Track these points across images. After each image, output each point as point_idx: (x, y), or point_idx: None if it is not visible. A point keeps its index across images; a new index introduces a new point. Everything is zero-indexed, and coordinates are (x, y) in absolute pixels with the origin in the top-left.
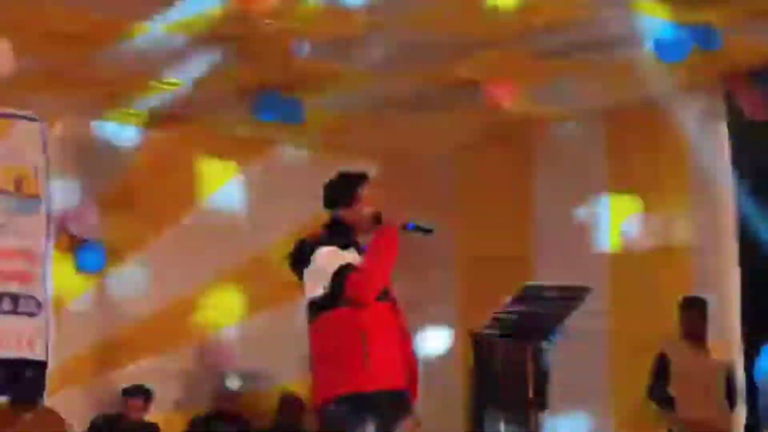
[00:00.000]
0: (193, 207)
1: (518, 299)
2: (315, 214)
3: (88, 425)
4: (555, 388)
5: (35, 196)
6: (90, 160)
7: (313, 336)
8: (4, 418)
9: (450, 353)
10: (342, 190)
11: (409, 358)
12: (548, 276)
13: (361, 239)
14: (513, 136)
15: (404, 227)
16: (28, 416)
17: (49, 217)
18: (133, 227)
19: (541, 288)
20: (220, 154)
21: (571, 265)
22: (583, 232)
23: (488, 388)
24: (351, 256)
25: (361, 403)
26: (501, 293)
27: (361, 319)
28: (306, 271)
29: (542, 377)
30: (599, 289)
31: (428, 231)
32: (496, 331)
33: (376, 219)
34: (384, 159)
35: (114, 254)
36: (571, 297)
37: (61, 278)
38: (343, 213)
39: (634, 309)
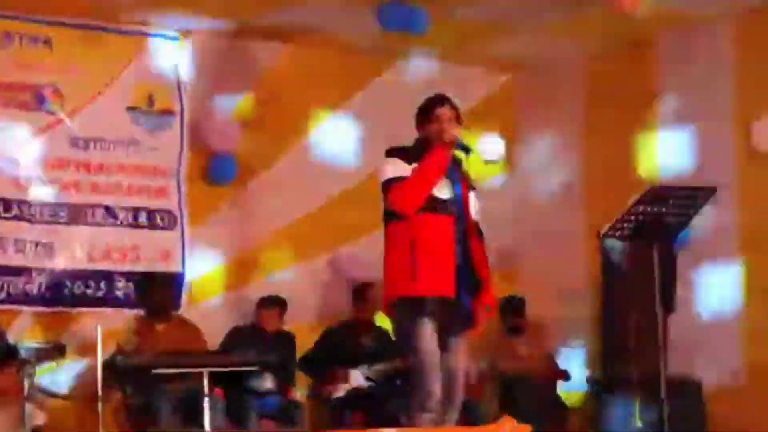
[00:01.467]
0: (321, 121)
1: (643, 200)
2: None
3: (225, 335)
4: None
5: (169, 112)
6: (223, 75)
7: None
8: (141, 328)
9: (579, 256)
10: (422, 110)
11: (478, 271)
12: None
13: None
14: (641, 43)
15: (452, 144)
16: (161, 327)
17: (182, 132)
18: (265, 140)
19: (666, 188)
20: (348, 65)
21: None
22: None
23: (615, 290)
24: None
25: (413, 306)
26: (627, 195)
27: (411, 231)
28: None
29: (669, 279)
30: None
31: (466, 150)
32: (622, 233)
33: (438, 137)
34: (514, 68)
35: (246, 168)
36: (697, 197)
37: (196, 192)
38: (422, 131)
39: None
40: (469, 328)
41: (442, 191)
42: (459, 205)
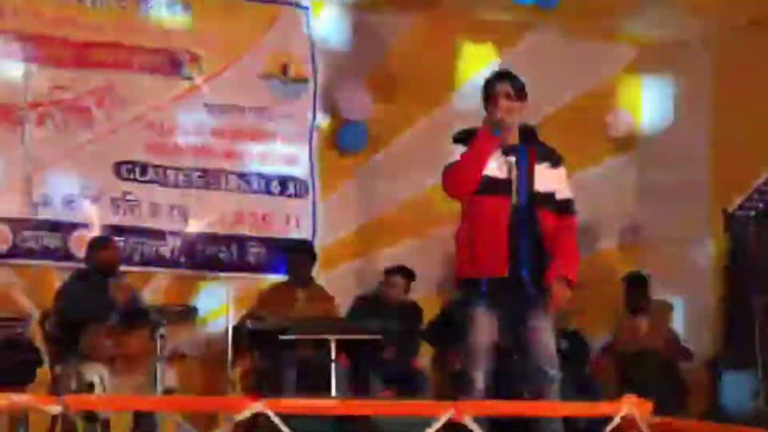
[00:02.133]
0: (452, 91)
1: None
2: (571, 96)
3: (351, 304)
4: None
5: (302, 80)
6: (355, 45)
7: None
8: (283, 294)
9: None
10: (484, 90)
11: (550, 246)
12: None
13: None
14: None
15: (494, 124)
16: (301, 293)
17: (315, 100)
18: (395, 110)
19: None
20: (479, 37)
21: None
22: None
23: (741, 270)
24: None
25: (469, 288)
26: (756, 173)
27: (469, 213)
28: None
29: None
30: None
31: (497, 129)
32: (751, 212)
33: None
34: (641, 44)
35: (376, 137)
36: None
37: (327, 160)
38: (487, 112)
39: None
40: (544, 302)
41: (500, 170)
42: (522, 182)
